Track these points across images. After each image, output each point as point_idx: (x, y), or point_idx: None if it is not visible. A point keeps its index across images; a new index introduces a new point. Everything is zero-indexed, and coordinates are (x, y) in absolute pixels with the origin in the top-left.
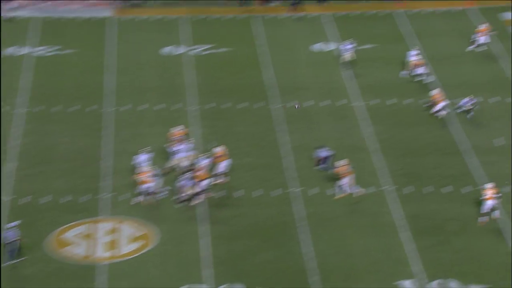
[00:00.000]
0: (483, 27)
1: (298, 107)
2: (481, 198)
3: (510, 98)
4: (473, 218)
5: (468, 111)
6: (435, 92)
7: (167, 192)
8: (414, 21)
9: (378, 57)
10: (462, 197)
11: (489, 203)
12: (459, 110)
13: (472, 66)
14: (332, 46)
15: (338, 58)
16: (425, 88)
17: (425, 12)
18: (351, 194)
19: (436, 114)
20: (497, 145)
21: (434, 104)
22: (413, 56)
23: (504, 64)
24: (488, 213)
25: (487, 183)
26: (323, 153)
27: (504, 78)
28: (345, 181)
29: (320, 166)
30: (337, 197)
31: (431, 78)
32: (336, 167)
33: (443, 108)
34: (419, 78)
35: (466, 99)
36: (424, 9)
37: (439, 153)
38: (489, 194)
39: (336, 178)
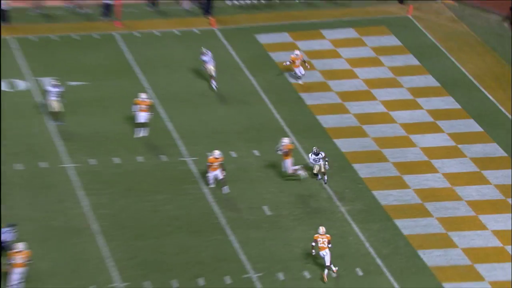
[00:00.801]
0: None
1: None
2: None
3: None
4: None
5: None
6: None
7: None
8: (138, 46)
9: (92, 98)
10: None
11: None
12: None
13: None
14: (22, 84)
15: (36, 101)
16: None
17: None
18: None
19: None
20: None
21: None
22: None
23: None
24: None
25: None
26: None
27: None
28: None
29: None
30: None
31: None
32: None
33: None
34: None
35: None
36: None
37: (186, 232)
38: None
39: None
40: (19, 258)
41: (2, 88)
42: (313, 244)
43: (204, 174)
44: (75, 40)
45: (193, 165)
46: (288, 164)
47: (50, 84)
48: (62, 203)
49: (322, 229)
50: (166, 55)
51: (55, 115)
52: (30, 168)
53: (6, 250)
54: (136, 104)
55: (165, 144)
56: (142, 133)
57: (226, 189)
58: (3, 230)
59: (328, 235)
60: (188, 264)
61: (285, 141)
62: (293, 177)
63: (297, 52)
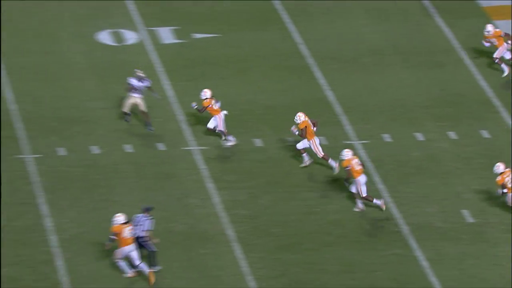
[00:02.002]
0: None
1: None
2: None
3: None
4: None
5: None
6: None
7: None
8: None
9: (225, 57)
10: None
11: None
12: None
13: None
14: (132, 36)
15: (149, 58)
16: None
17: None
18: None
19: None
20: None
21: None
22: None
23: None
24: None
25: None
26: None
27: None
28: None
29: None
30: None
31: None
32: None
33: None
34: None
35: None
36: None
37: (353, 243)
38: None
39: None
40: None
41: (106, 42)
42: None
43: (377, 162)
44: None
45: (363, 150)
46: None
47: (135, 76)
48: (186, 199)
49: None
50: None
51: (145, 117)
52: (143, 151)
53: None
54: None
55: (324, 121)
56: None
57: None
58: (139, 217)
59: None
60: (356, 287)
61: None
62: None
63: None
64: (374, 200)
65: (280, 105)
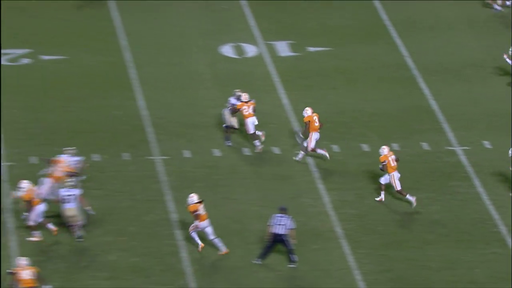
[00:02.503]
0: None
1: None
2: None
3: None
4: None
5: None
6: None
7: None
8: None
9: (336, 68)
10: None
11: None
12: None
13: None
14: (251, 49)
15: (267, 70)
16: None
17: None
18: None
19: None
20: None
21: None
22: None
23: None
24: None
25: None
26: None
27: None
28: None
29: None
30: None
31: None
32: None
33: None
34: None
35: None
36: None
37: (454, 241)
38: None
39: None
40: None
41: (229, 54)
42: None
43: (477, 167)
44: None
45: (464, 156)
46: None
47: (234, 95)
48: (299, 199)
49: None
50: (431, 13)
51: (229, 132)
52: (260, 154)
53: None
54: None
55: (428, 128)
56: None
57: None
58: (279, 217)
59: None
60: (456, 283)
61: None
62: None
63: None
64: (407, 196)
65: (385, 113)
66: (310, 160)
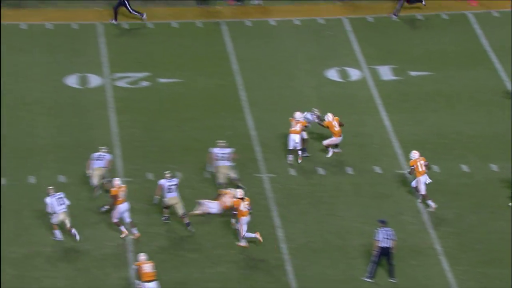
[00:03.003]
0: None
1: None
2: None
3: None
4: None
5: None
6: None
7: None
8: (495, 28)
9: (436, 91)
10: None
11: None
12: None
13: None
14: (356, 72)
15: (370, 93)
16: None
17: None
18: None
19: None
20: None
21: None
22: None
23: None
24: None
25: None
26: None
27: None
28: None
29: None
30: None
31: None
32: None
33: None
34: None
35: None
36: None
37: None
38: None
39: None
40: None
41: (334, 78)
42: None
43: None
44: (417, 20)
45: None
46: None
47: (311, 111)
48: (399, 216)
49: None
50: None
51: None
52: (362, 173)
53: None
54: None
55: None
56: None
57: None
58: (384, 231)
59: None
60: None
61: None
62: None
63: None
64: (429, 201)
65: (484, 135)
66: (410, 178)
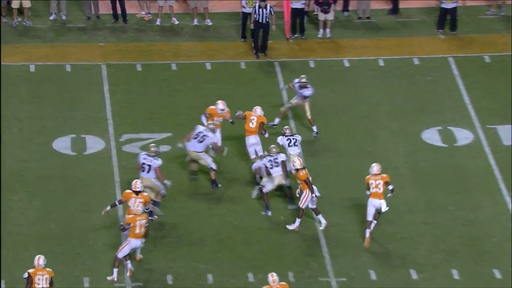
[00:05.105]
0: None
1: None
2: None
3: None
4: None
5: None
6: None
7: None
8: None
9: None
10: None
11: None
12: None
13: None
14: (466, 134)
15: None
16: None
17: None
18: None
19: None
20: None
21: None
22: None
23: None
24: None
25: None
26: None
27: None
28: None
29: None
30: None
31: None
32: None
33: None
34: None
35: None
36: None
37: None
38: None
39: None
40: None
41: (432, 141)
42: None
43: None
44: None
45: None
46: None
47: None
48: None
49: None
50: None
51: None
52: (476, 279)
53: None
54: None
55: None
56: None
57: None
58: None
59: None
60: None
61: None
62: None
63: None
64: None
65: None
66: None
